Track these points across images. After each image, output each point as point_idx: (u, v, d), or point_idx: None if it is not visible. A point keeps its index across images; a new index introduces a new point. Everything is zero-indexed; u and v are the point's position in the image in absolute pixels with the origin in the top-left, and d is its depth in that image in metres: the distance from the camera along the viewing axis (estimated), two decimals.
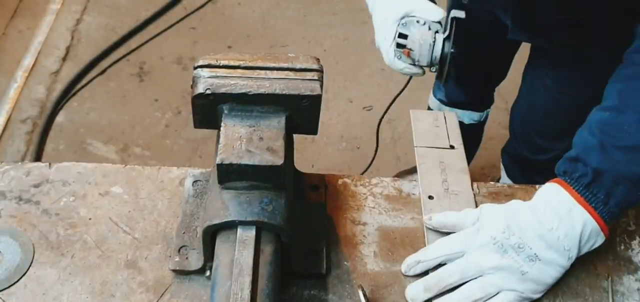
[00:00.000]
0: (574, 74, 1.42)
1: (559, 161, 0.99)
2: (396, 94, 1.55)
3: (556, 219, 0.92)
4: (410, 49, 1.26)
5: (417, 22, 1.26)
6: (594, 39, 1.28)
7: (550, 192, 0.96)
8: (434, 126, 1.20)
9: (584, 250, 0.94)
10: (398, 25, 1.27)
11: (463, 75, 1.71)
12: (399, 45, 1.28)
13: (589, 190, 0.93)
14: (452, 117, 1.22)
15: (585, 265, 1.00)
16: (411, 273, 0.97)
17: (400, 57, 1.29)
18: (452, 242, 0.97)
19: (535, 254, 0.92)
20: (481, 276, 0.93)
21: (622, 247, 1.04)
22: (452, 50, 1.23)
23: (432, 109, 2.00)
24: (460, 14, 1.25)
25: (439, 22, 1.26)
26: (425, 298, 0.94)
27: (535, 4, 1.25)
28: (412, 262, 0.97)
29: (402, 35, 1.27)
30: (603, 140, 0.94)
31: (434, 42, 1.24)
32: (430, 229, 1.03)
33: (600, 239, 0.94)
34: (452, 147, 1.16)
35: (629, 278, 1.00)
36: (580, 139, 0.98)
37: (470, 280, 0.93)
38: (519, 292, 0.92)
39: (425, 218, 1.04)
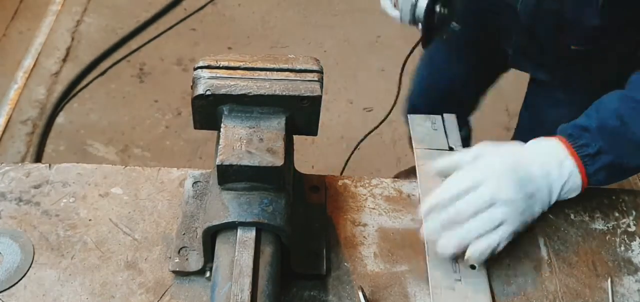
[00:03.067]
0: (583, 96, 1.39)
1: (566, 124, 1.02)
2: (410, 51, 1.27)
3: (555, 167, 0.98)
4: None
5: None
6: (597, 68, 1.27)
7: (551, 144, 1.00)
8: (432, 129, 1.20)
9: (563, 198, 1.01)
10: None
11: (434, 104, 1.50)
12: None
13: (584, 159, 0.98)
14: (451, 119, 1.22)
15: (585, 266, 1.01)
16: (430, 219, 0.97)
17: (395, 4, 1.13)
18: (463, 178, 0.96)
19: (533, 193, 0.96)
20: (490, 207, 0.94)
21: (623, 248, 1.04)
22: (440, 11, 1.06)
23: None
24: None
25: None
26: (443, 227, 0.95)
27: (535, 30, 1.23)
28: (428, 209, 0.97)
29: None
30: (620, 128, 0.98)
31: None
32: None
33: (576, 192, 1.01)
34: (451, 148, 1.16)
35: (629, 279, 1.00)
36: (599, 115, 1.01)
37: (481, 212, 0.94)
38: (515, 227, 0.96)
39: (429, 164, 1.04)
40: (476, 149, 1.01)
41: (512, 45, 1.30)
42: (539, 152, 1.00)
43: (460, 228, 0.94)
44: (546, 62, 1.11)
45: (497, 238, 0.94)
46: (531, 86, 1.53)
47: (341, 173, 2.00)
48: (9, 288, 0.94)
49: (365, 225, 1.05)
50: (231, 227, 0.87)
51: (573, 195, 1.01)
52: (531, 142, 1.03)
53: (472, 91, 1.73)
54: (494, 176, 0.95)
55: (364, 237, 1.03)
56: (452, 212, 0.94)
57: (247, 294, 0.80)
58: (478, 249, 0.93)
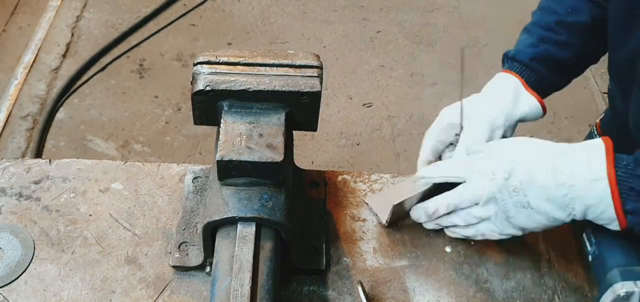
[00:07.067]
0: None
1: None
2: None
3: (578, 190, 0.85)
4: None
5: None
6: None
7: (594, 158, 0.85)
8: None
9: (593, 219, 0.88)
10: None
11: None
12: None
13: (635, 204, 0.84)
14: None
15: (584, 261, 1.01)
16: (420, 185, 1.00)
17: None
18: (456, 166, 0.98)
19: (528, 202, 0.88)
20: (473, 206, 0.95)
21: None
22: None
23: None
24: None
25: None
26: (425, 220, 1.00)
27: None
28: (417, 177, 1.00)
29: None
30: None
31: None
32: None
33: (615, 227, 0.87)
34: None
35: None
36: None
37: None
38: (498, 230, 0.95)
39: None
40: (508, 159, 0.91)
41: None
42: (569, 173, 0.86)
43: (443, 221, 0.99)
44: None
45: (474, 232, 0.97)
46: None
47: None
48: (9, 283, 0.94)
49: (364, 220, 1.05)
50: (231, 222, 0.87)
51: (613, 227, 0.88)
52: (574, 151, 0.88)
53: None
54: (479, 171, 0.93)
55: (364, 232, 1.03)
56: (432, 206, 0.98)
57: (247, 289, 0.80)
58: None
